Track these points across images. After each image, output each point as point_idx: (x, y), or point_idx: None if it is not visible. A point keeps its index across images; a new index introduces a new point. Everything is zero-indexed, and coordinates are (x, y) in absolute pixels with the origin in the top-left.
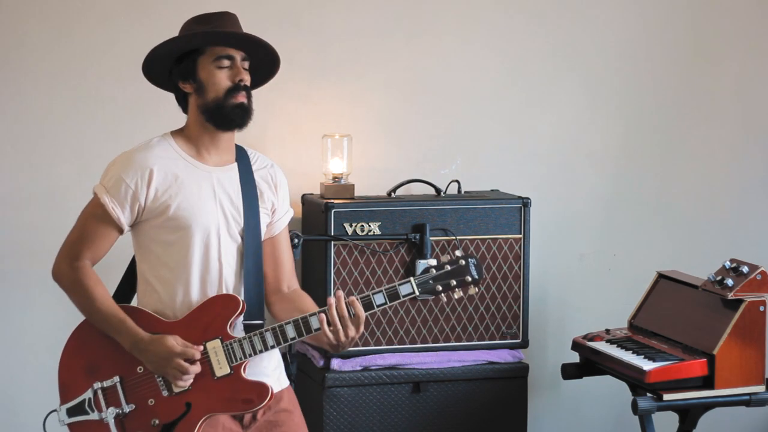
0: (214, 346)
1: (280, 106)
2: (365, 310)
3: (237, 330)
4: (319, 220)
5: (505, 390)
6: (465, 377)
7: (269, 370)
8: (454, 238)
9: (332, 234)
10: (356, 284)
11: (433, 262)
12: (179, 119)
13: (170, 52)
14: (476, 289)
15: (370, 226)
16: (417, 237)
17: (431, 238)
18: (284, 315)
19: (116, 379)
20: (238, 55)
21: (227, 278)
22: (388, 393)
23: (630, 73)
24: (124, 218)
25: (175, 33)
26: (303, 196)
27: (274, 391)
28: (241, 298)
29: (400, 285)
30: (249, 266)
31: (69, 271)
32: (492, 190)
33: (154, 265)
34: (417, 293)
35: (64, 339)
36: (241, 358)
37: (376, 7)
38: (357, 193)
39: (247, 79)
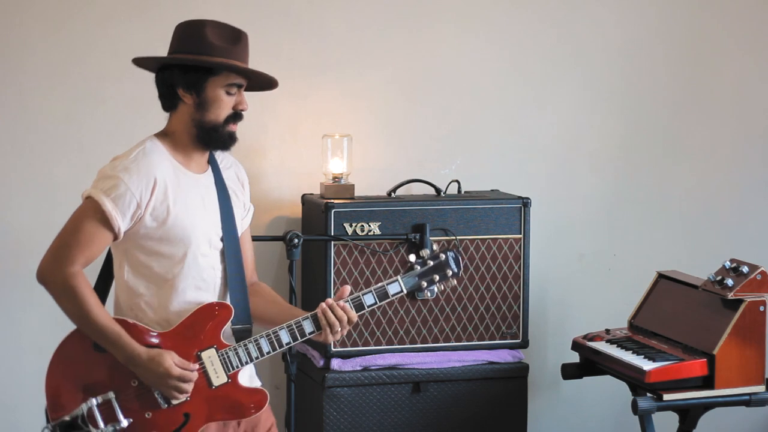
0: (210, 355)
1: (280, 106)
2: (356, 311)
3: (226, 335)
4: (319, 220)
5: (505, 390)
6: (465, 377)
7: (242, 370)
8: (454, 238)
9: (332, 234)
10: (356, 284)
11: (413, 258)
12: None
13: (183, 62)
14: (454, 282)
15: (370, 226)
16: (417, 237)
17: (431, 238)
18: (257, 309)
19: (111, 394)
20: (244, 83)
21: (218, 284)
22: (388, 393)
23: (630, 73)
24: (123, 226)
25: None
26: (303, 196)
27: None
28: (230, 303)
29: (388, 284)
30: (232, 271)
31: (61, 276)
32: (492, 190)
33: (141, 273)
34: (404, 291)
35: None
36: (237, 366)
37: (376, 6)
38: (357, 193)
39: (247, 107)
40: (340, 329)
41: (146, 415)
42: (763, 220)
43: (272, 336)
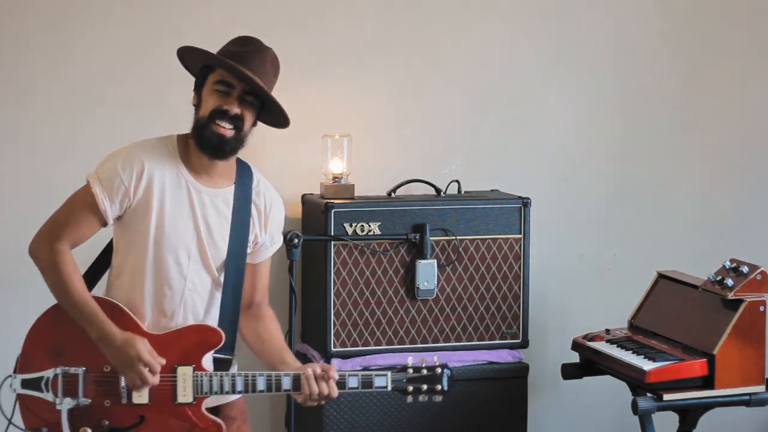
0: (185, 372)
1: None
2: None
3: (206, 359)
4: (319, 220)
5: (505, 390)
6: (465, 377)
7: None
8: (454, 238)
9: (332, 234)
10: (356, 284)
11: (411, 361)
12: (178, 119)
13: (191, 60)
14: (440, 398)
15: (370, 226)
16: (417, 237)
17: (431, 238)
18: (247, 333)
19: (80, 369)
20: (238, 86)
21: (189, 299)
22: (389, 393)
23: (630, 74)
24: (111, 211)
25: (173, 34)
26: (303, 196)
27: (226, 401)
28: (221, 331)
29: (376, 376)
30: (227, 299)
31: (48, 251)
32: (492, 190)
33: (122, 258)
34: (388, 388)
35: None
36: (206, 392)
37: (376, 7)
38: (357, 193)
39: (236, 111)
40: (317, 400)
41: (105, 403)
42: (763, 220)
43: (249, 379)
